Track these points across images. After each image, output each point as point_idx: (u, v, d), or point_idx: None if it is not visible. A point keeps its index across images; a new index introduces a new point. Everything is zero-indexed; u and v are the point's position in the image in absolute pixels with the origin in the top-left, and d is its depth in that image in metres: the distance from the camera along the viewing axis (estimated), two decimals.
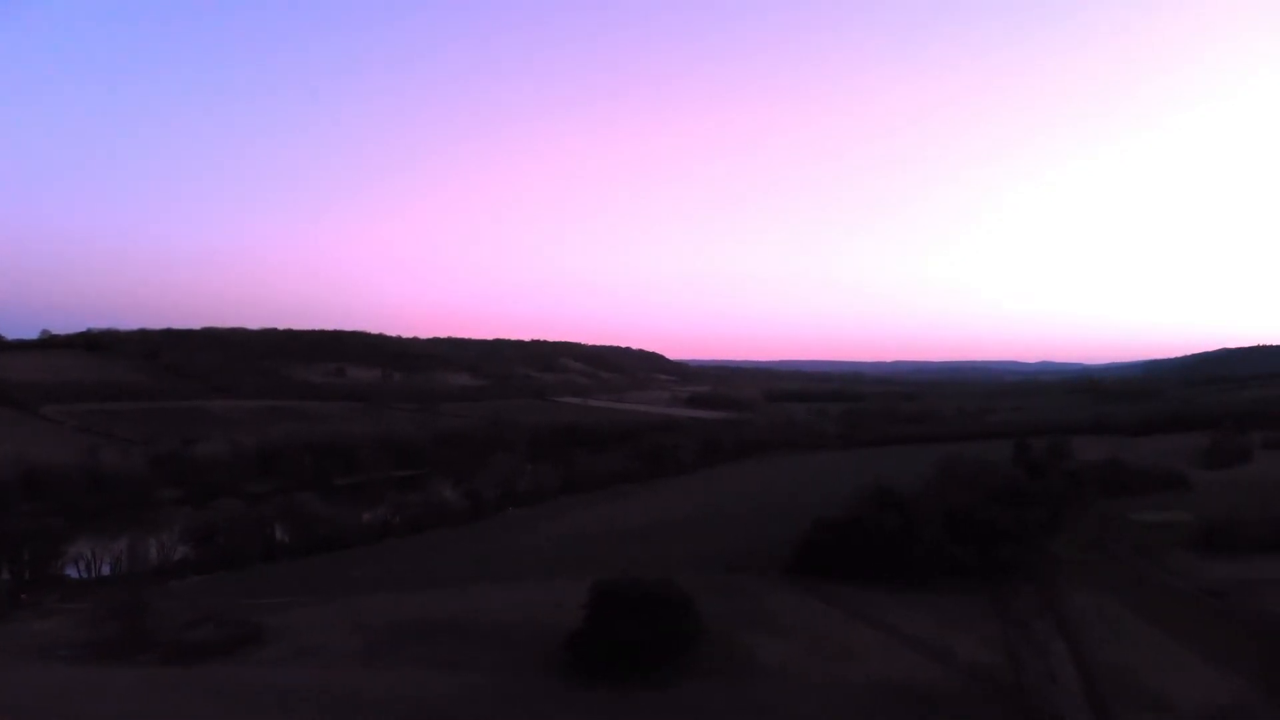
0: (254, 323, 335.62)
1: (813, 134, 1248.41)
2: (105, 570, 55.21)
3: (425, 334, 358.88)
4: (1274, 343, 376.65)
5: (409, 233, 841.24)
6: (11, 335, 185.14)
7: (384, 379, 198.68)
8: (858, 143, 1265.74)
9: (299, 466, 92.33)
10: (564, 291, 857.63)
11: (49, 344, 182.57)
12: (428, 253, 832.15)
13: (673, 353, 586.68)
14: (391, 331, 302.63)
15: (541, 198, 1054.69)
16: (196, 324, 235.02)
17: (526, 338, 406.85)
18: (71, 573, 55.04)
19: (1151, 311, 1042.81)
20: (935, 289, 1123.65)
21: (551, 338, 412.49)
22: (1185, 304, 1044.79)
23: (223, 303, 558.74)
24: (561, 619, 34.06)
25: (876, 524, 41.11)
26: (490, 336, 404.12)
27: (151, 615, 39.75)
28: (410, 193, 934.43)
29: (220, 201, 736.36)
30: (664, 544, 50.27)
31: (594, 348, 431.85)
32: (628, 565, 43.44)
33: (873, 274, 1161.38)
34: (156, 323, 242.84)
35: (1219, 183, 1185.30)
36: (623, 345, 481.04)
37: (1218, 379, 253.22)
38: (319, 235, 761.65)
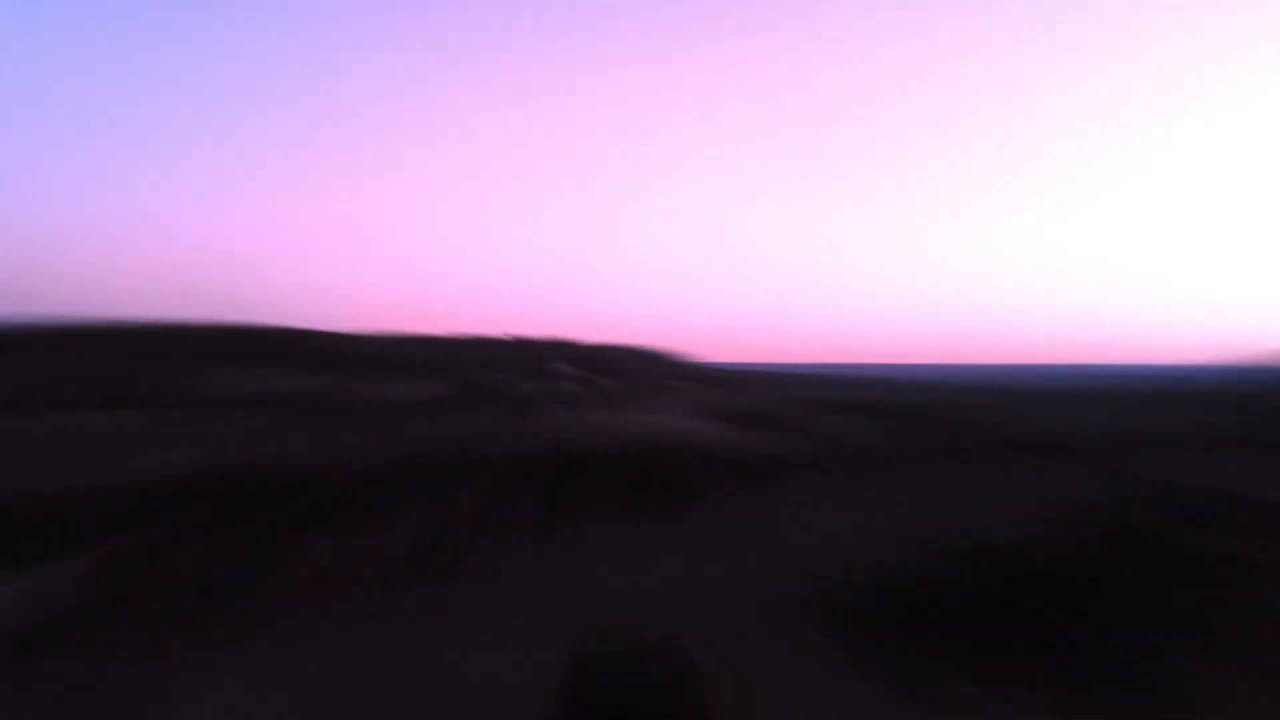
0: (145, 315, 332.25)
1: (868, 103, 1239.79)
2: None
3: (379, 331, 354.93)
4: None
5: (364, 211, 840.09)
6: None
7: (328, 386, 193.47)
8: (926, 95, 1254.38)
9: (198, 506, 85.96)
10: (555, 280, 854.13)
11: None
12: (384, 228, 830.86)
13: (689, 353, 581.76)
14: (343, 329, 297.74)
15: (527, 172, 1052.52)
16: (64, 315, 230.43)
17: (508, 335, 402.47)
18: None
19: (1240, 310, 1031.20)
20: (1003, 281, 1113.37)
21: (539, 334, 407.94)
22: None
23: (99, 288, 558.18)
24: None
25: (958, 580, 34.91)
26: (463, 334, 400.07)
27: None
28: (366, 171, 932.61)
29: (152, 177, 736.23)
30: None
31: (591, 347, 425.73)
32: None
33: (936, 257, 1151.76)
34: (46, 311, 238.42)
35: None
36: (626, 344, 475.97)
37: None
38: (239, 205, 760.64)
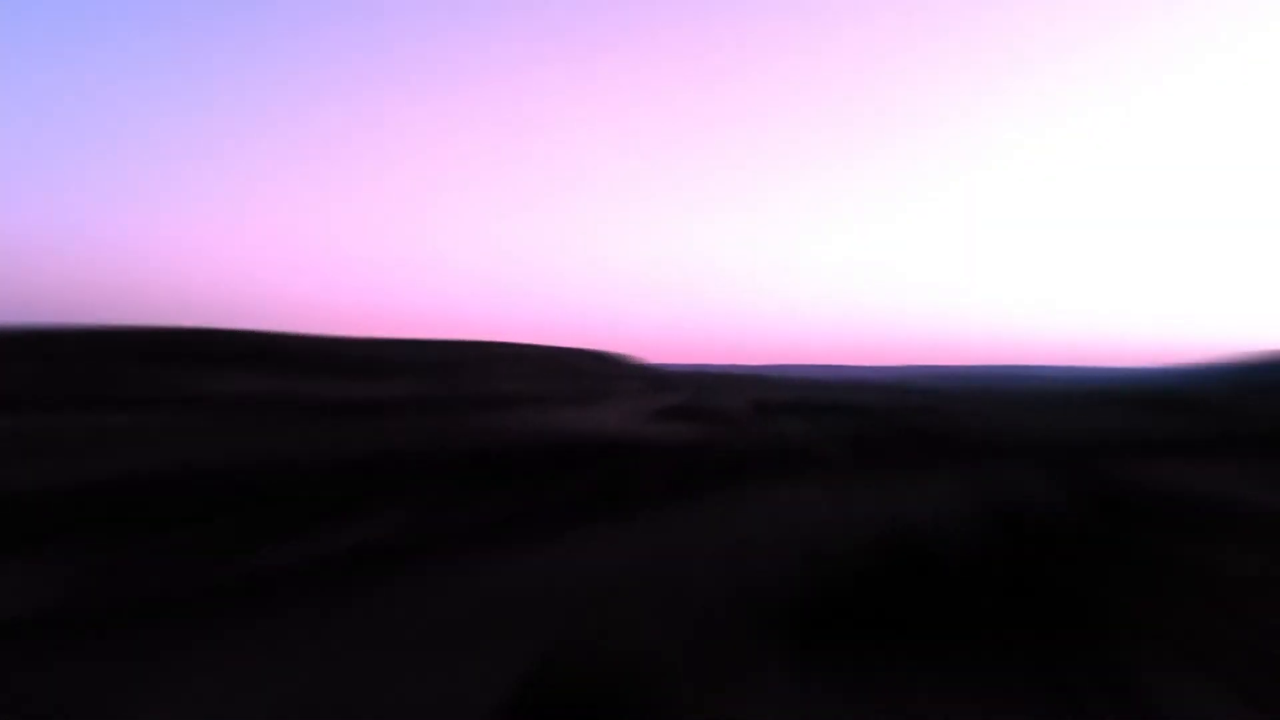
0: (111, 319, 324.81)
1: (813, 102, 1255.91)
2: None
3: (331, 331, 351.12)
4: None
5: (335, 213, 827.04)
6: None
7: (286, 388, 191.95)
8: (865, 117, 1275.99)
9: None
10: (513, 282, 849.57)
11: None
12: (336, 239, 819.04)
13: (645, 355, 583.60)
14: (275, 327, 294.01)
15: (481, 172, 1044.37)
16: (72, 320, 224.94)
17: (465, 337, 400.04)
18: None
19: (1184, 312, 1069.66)
20: (951, 282, 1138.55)
21: (495, 338, 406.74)
22: (1221, 305, 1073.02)
23: (108, 296, 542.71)
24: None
25: (901, 576, 37.98)
26: (416, 336, 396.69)
27: None
28: (317, 176, 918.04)
29: (131, 183, 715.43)
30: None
31: (549, 349, 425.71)
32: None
33: (877, 266, 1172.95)
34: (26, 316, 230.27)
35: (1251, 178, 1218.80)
36: (583, 347, 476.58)
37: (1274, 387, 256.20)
38: (227, 218, 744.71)
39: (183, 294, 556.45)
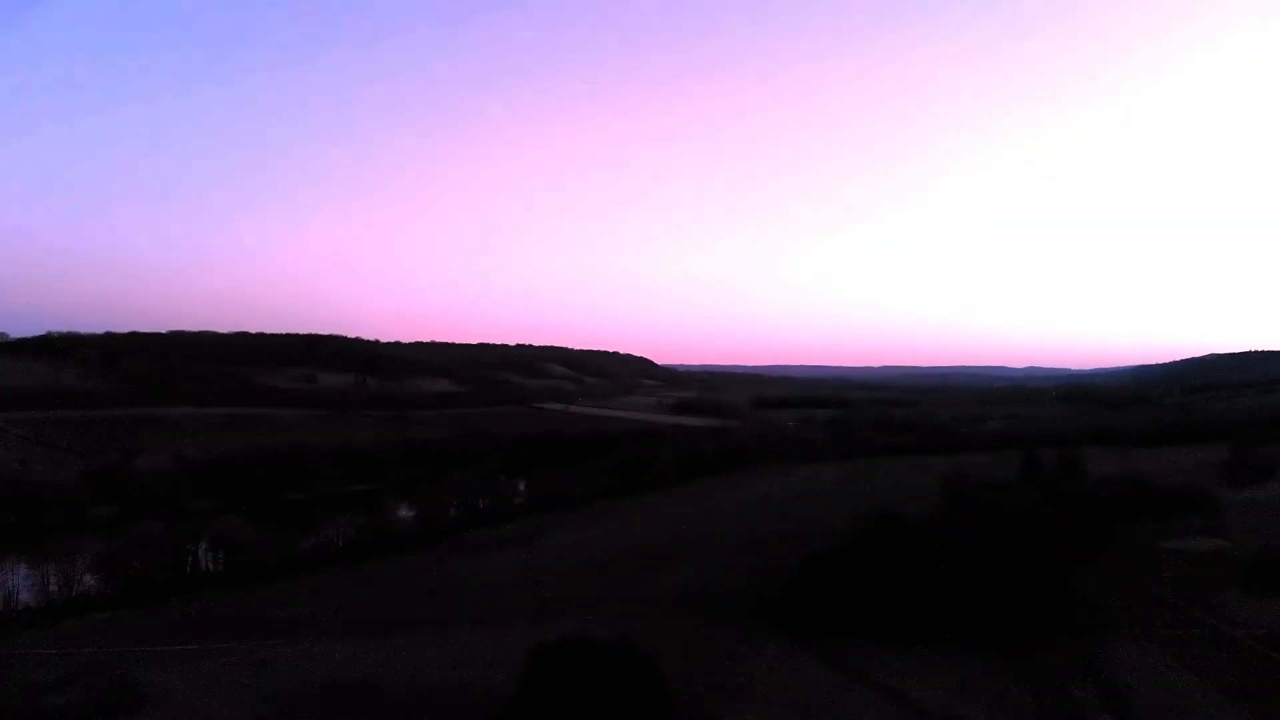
0: (227, 326, 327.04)
1: (803, 135, 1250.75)
2: None
3: (407, 339, 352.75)
4: (1266, 348, 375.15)
5: (391, 235, 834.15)
6: None
7: (356, 385, 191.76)
8: (847, 146, 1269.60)
9: (247, 481, 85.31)
10: (551, 295, 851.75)
11: (1, 348, 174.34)
12: (411, 256, 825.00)
13: (661, 357, 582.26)
14: (373, 336, 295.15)
15: (528, 200, 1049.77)
16: (164, 328, 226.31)
17: (511, 342, 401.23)
18: None
19: (1137, 317, 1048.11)
20: (921, 293, 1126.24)
21: (537, 342, 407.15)
22: (1171, 309, 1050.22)
23: (195, 305, 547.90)
24: (494, 681, 28.24)
25: (880, 562, 35.37)
26: (474, 341, 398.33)
27: (9, 673, 33.49)
28: (393, 195, 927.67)
29: (195, 203, 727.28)
30: (631, 577, 44.12)
31: (581, 352, 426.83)
32: (584, 607, 37.59)
33: (860, 278, 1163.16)
34: (122, 326, 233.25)
35: (1205, 186, 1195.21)
36: (610, 350, 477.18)
37: (1213, 385, 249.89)
38: (299, 237, 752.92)
39: (281, 304, 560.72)
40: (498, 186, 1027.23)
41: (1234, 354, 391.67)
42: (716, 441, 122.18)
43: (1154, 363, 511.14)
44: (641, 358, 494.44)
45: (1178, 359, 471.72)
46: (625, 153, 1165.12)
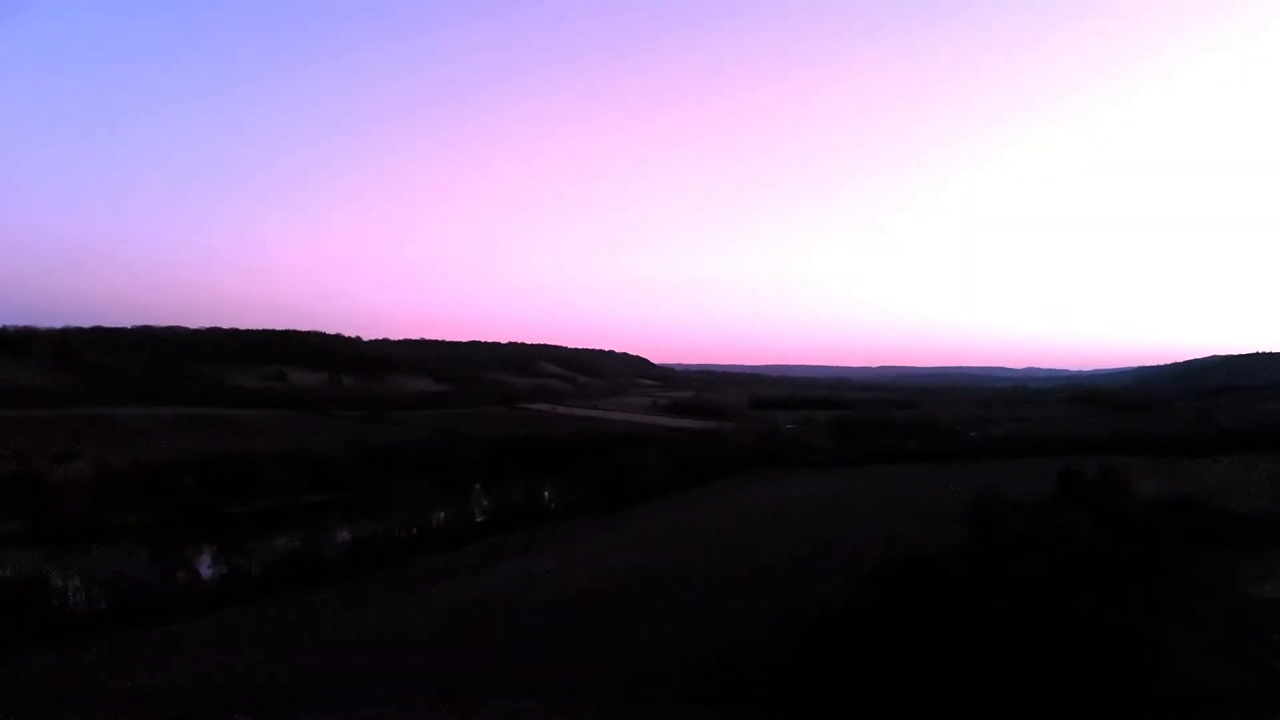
0: (201, 322, 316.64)
1: (800, 135, 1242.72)
2: None
3: (396, 336, 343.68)
4: (1271, 350, 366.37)
5: (384, 232, 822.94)
6: None
7: (330, 384, 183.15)
8: (846, 146, 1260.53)
9: (181, 492, 76.00)
10: (546, 293, 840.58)
11: None
12: (405, 253, 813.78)
13: (658, 357, 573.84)
14: (362, 334, 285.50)
15: (525, 198, 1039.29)
16: (131, 323, 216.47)
17: (504, 340, 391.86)
18: None
19: (1136, 317, 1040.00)
20: (920, 293, 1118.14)
21: (532, 340, 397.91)
22: (1171, 310, 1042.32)
23: (167, 301, 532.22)
24: None
25: (909, 622, 27.12)
26: (466, 339, 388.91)
27: None
28: (391, 194, 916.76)
29: (173, 194, 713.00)
30: (593, 628, 35.58)
31: (575, 351, 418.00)
32: (517, 682, 29.02)
33: (858, 278, 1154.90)
34: (86, 320, 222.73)
35: (1205, 186, 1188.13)
36: (606, 349, 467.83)
37: (1227, 388, 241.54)
38: (288, 233, 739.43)
39: (264, 299, 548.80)
40: (497, 185, 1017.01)
41: (1240, 355, 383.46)
42: (711, 446, 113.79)
43: (1155, 364, 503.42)
44: (638, 357, 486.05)
45: (1179, 360, 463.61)
46: (625, 152, 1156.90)
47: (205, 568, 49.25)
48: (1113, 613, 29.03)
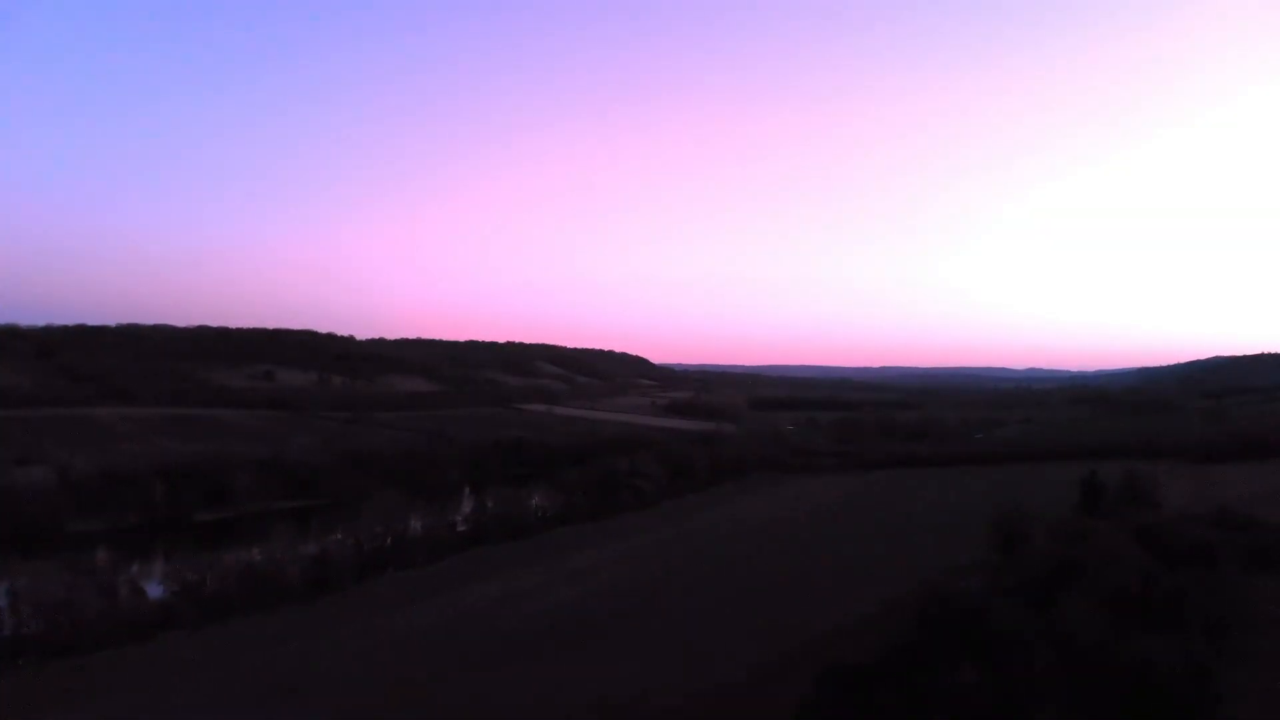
0: (190, 320, 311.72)
1: (804, 139, 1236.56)
2: None
3: (393, 335, 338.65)
4: (1277, 350, 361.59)
5: (384, 231, 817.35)
6: None
7: (319, 384, 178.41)
8: (849, 149, 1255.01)
9: (148, 497, 71.81)
10: (546, 292, 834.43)
11: None
12: (404, 252, 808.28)
13: (658, 356, 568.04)
14: (357, 334, 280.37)
15: (524, 198, 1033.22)
16: (117, 320, 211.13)
17: (502, 339, 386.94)
18: None
19: (1140, 318, 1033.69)
20: (922, 293, 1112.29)
21: (530, 340, 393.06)
22: (1175, 311, 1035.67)
23: (156, 298, 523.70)
24: None
25: (938, 677, 22.78)
26: (463, 338, 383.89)
27: None
28: (390, 192, 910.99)
29: (196, 197, 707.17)
30: (557, 666, 30.94)
31: (574, 351, 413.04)
32: None
33: (860, 278, 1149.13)
34: (70, 319, 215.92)
35: (1208, 189, 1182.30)
36: (607, 349, 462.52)
37: (1236, 389, 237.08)
38: (283, 231, 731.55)
39: (260, 298, 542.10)
40: (496, 185, 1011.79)
41: (1245, 356, 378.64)
42: (709, 450, 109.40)
43: (1159, 364, 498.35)
44: (638, 357, 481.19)
45: (1184, 361, 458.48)
46: (625, 152, 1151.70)
47: (154, 585, 45.31)
48: (1174, 660, 24.70)
